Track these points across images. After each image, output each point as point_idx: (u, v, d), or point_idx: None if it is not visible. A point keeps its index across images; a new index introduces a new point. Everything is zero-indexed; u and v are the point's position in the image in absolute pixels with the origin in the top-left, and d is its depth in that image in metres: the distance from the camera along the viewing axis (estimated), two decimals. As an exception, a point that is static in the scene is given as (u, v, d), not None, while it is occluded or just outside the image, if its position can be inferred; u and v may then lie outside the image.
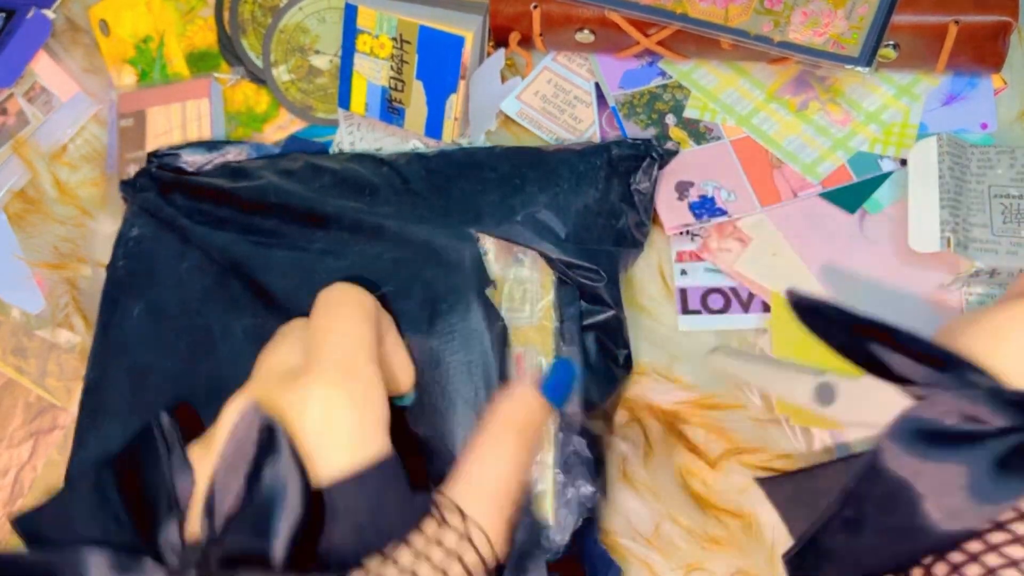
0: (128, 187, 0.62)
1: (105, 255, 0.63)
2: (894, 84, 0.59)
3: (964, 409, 0.37)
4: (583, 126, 0.62)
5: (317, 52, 0.67)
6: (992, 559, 0.35)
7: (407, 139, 0.64)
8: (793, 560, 0.41)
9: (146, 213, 0.61)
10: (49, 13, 0.68)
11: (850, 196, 0.58)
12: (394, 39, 0.61)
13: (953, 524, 0.36)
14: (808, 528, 0.40)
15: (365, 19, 0.61)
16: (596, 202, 0.57)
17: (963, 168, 0.54)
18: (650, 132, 0.61)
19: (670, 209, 0.59)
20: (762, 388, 0.56)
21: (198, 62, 0.69)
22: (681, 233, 0.59)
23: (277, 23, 0.67)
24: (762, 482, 0.44)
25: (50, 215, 0.68)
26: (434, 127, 0.62)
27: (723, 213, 0.58)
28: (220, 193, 0.59)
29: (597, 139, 0.61)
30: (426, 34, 0.60)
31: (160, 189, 0.61)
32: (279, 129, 0.67)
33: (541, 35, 0.62)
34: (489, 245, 0.55)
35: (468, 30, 0.59)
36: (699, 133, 0.60)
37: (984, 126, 0.57)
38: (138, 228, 0.61)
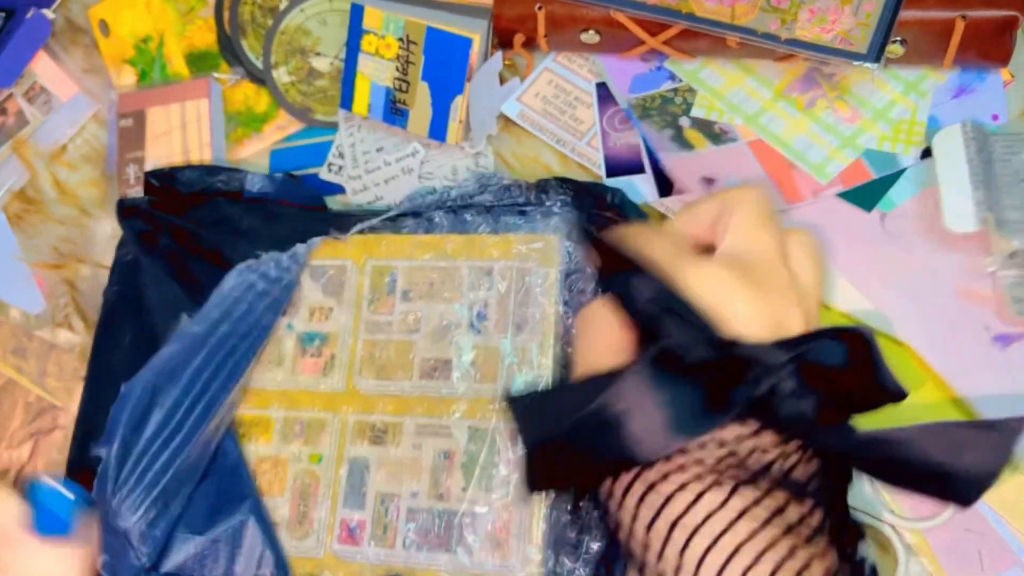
0: (121, 210, 0.62)
1: (105, 255, 0.62)
2: (901, 80, 0.59)
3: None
4: (584, 127, 0.62)
5: (318, 54, 0.67)
6: (677, 478, 0.39)
7: (408, 140, 0.63)
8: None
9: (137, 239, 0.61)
10: (49, 13, 0.68)
11: (867, 194, 0.57)
12: (400, 40, 0.60)
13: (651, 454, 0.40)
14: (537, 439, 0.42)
15: (371, 19, 0.61)
16: None
17: (988, 154, 0.54)
18: (666, 134, 0.61)
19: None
20: None
21: (198, 62, 0.69)
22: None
23: (278, 25, 0.67)
24: (510, 400, 0.45)
25: (50, 215, 0.68)
26: (438, 129, 0.62)
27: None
28: (193, 239, 0.59)
29: (598, 140, 0.61)
30: (433, 35, 0.60)
31: (145, 218, 0.61)
32: (279, 129, 0.67)
33: (546, 36, 0.61)
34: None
35: (476, 32, 0.59)
36: (715, 135, 0.60)
37: (995, 118, 0.57)
38: (132, 254, 0.60)
